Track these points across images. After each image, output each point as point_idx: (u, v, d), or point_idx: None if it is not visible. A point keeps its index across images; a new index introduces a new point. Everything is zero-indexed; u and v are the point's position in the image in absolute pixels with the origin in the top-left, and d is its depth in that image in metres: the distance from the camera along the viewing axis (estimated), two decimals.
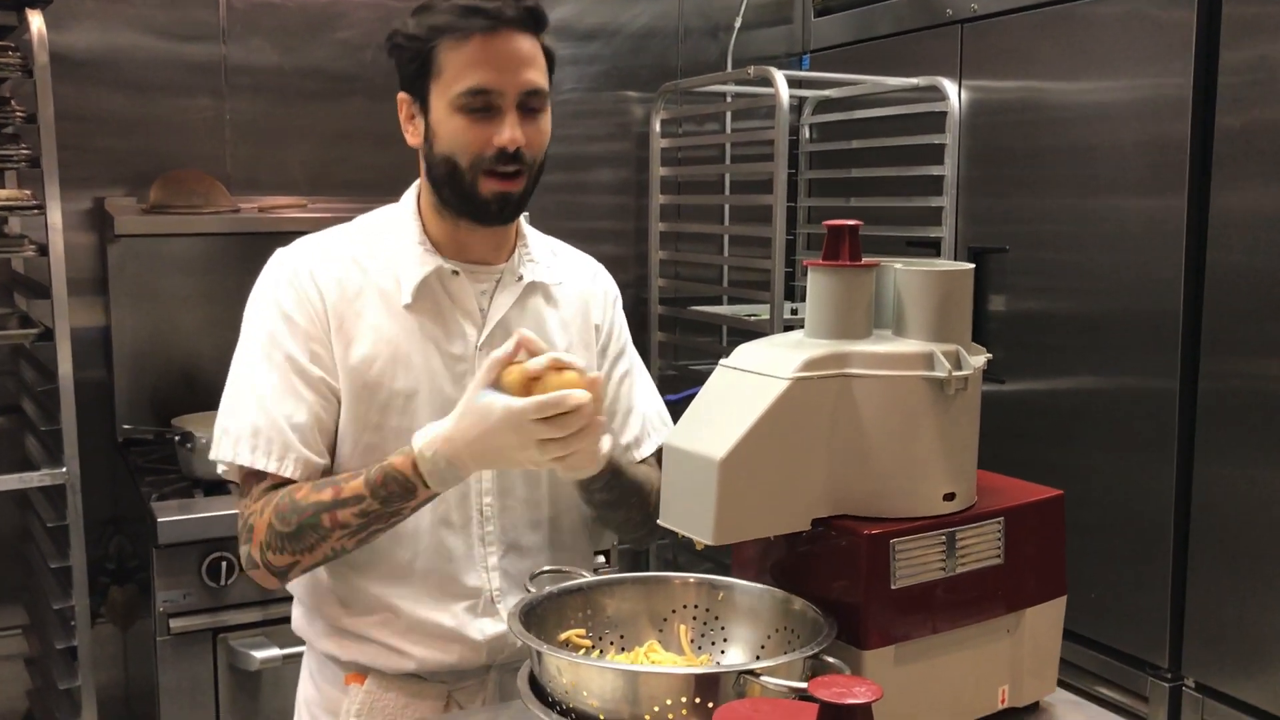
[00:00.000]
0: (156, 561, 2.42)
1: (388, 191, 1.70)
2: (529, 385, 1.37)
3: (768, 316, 3.04)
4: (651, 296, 3.49)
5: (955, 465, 1.36)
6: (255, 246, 1.89)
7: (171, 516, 2.43)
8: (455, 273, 1.58)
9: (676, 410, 1.55)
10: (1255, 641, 2.26)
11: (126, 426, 2.95)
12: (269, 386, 1.52)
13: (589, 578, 1.41)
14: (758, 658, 1.36)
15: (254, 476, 1.53)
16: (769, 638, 1.36)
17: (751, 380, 1.30)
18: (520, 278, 1.62)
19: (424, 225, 1.60)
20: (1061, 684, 1.50)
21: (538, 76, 1.52)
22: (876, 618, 1.28)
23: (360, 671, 1.59)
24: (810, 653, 1.19)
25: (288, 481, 1.51)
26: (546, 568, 1.50)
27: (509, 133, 1.48)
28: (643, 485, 1.64)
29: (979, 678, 1.39)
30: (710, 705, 1.13)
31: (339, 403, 1.55)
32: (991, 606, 1.38)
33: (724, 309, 3.49)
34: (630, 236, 3.55)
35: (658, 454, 1.67)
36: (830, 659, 1.20)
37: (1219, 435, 2.31)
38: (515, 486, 1.61)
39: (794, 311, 3.12)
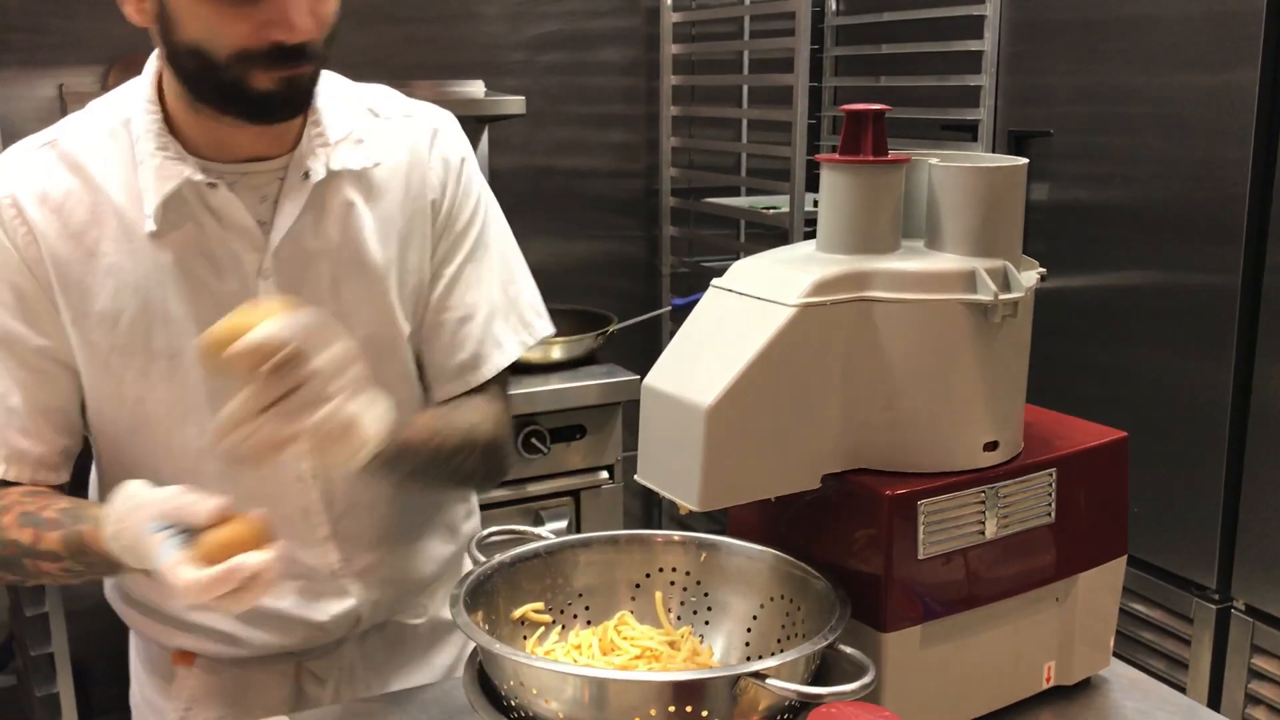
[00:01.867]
0: None
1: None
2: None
3: (788, 209, 2.89)
4: (663, 187, 3.32)
5: (999, 408, 1.13)
6: None
7: None
8: (213, 185, 1.18)
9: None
10: None
11: None
12: None
13: (550, 539, 1.18)
14: (749, 629, 1.15)
15: None
16: (761, 607, 1.15)
17: (749, 306, 1.07)
18: (306, 174, 1.21)
19: (167, 117, 1.19)
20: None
21: None
22: (900, 593, 1.07)
23: (188, 651, 1.34)
24: (821, 645, 0.97)
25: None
26: (495, 528, 1.23)
27: (295, 20, 1.07)
28: (452, 450, 1.27)
29: (1020, 654, 1.18)
30: (705, 714, 0.93)
31: (75, 373, 1.22)
32: (1039, 573, 1.17)
33: (741, 200, 3.32)
34: (640, 122, 3.33)
35: (518, 369, 1.32)
36: (846, 648, 0.99)
37: None
38: None
39: (816, 204, 2.91)
